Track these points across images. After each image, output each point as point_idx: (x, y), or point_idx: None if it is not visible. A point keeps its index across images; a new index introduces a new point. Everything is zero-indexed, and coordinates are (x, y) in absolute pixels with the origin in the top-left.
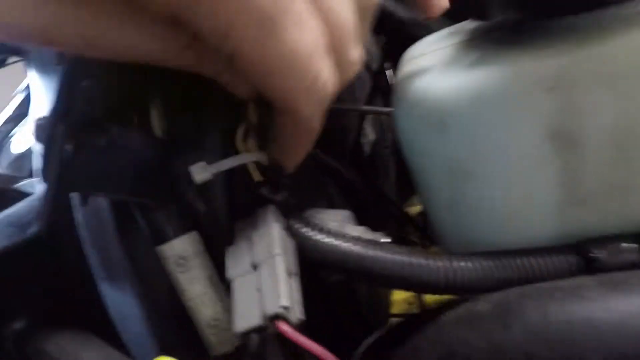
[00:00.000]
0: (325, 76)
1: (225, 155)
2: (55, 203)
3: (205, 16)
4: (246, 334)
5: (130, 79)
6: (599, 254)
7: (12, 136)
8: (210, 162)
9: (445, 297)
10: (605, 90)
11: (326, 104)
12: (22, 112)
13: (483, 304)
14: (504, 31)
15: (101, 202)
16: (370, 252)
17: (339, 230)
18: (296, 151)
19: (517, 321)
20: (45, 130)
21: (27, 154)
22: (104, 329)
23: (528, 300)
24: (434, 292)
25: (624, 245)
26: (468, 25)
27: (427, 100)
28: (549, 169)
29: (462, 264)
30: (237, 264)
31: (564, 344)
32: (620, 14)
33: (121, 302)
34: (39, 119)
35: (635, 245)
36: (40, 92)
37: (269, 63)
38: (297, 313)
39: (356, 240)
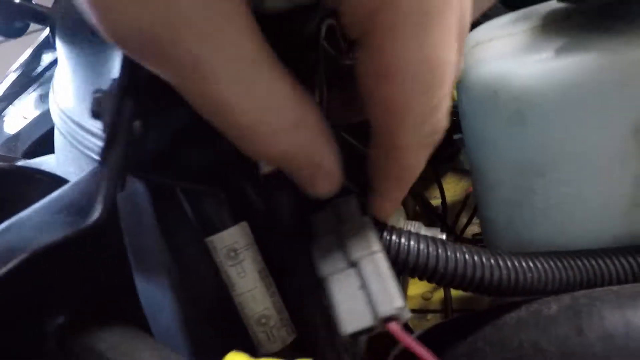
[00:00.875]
0: (447, 104)
1: None
2: (116, 187)
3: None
4: (355, 335)
5: None
6: None
7: (4, 116)
8: None
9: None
10: None
11: (439, 140)
12: (14, 90)
13: (551, 306)
14: (588, 16)
15: (137, 186)
16: (441, 252)
17: (404, 228)
18: (389, 197)
19: (593, 327)
20: (109, 105)
21: (22, 134)
22: (142, 323)
23: (603, 305)
24: (498, 294)
25: None
26: (540, 9)
27: (505, 91)
28: (626, 166)
29: (530, 264)
30: (329, 261)
31: None
32: None
33: (154, 294)
34: (97, 92)
35: None
36: (69, 62)
37: (406, 66)
38: (407, 312)
39: (425, 238)
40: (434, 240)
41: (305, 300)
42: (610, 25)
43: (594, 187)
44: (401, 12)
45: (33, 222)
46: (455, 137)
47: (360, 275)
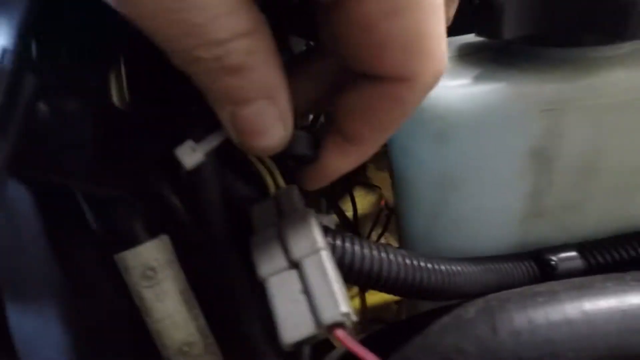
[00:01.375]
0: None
1: (210, 127)
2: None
3: None
4: (297, 344)
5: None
6: (556, 261)
7: None
8: (196, 139)
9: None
10: (588, 119)
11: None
12: None
13: (468, 310)
14: (499, 51)
15: (18, 191)
16: (384, 255)
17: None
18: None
19: (503, 326)
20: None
21: None
22: None
23: (511, 305)
24: (427, 297)
25: (573, 253)
26: (455, 41)
27: (429, 111)
28: (523, 183)
29: (459, 268)
30: (268, 260)
31: (548, 344)
32: (607, 52)
33: (34, 325)
34: None
35: (579, 254)
36: None
37: None
38: (353, 317)
39: (365, 241)
40: (375, 243)
41: (242, 313)
42: (515, 61)
43: (495, 201)
44: None
45: None
46: None
47: (303, 277)
